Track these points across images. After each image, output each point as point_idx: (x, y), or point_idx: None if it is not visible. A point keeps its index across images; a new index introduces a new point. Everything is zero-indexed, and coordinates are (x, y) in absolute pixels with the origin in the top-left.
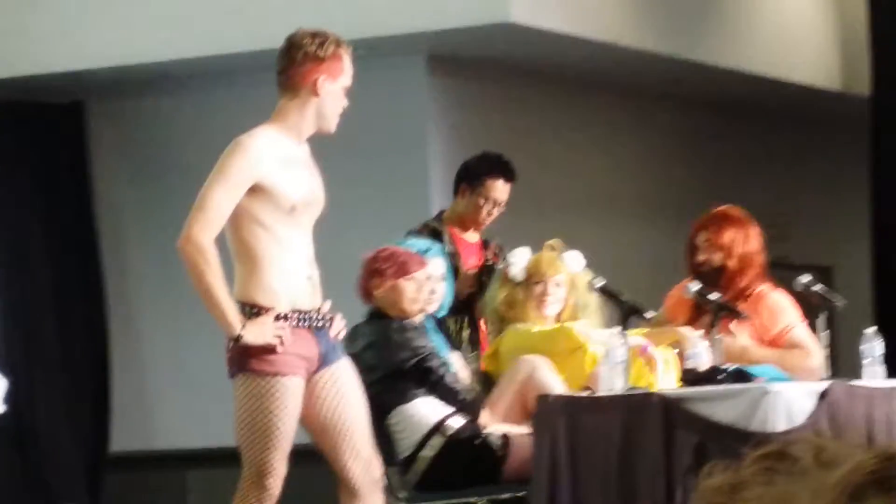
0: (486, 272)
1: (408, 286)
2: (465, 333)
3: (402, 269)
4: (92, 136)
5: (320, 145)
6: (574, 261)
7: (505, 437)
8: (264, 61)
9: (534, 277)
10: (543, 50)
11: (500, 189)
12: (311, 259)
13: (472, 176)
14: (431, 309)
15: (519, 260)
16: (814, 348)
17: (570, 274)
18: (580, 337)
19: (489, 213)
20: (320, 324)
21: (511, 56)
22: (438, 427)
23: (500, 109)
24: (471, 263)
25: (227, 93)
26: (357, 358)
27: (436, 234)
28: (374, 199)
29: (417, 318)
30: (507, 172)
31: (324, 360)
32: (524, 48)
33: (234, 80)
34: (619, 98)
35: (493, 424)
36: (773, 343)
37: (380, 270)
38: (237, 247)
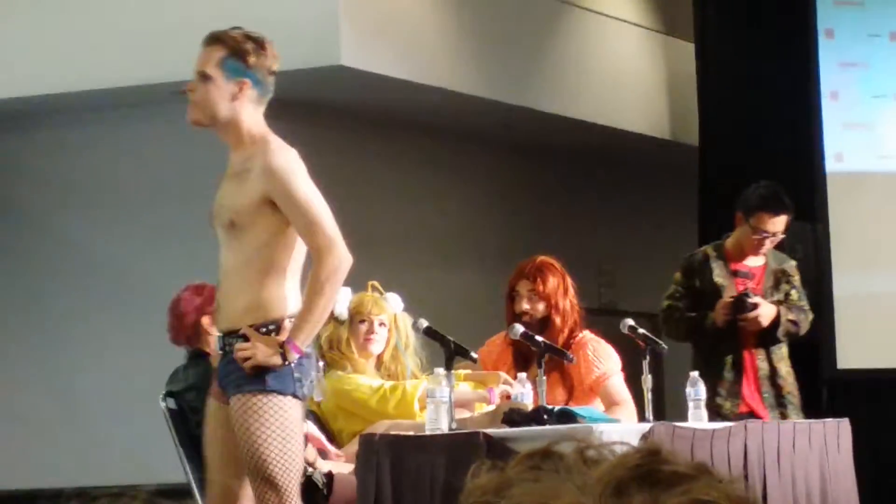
0: None
1: None
2: None
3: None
4: None
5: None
6: (395, 302)
7: (329, 475)
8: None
9: (358, 316)
10: (374, 94)
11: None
12: None
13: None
14: None
15: (342, 298)
16: (626, 398)
17: (392, 313)
18: (411, 404)
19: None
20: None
21: (342, 100)
22: None
23: (331, 152)
24: None
25: (59, 132)
26: (181, 398)
27: None
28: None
29: None
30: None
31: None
32: (354, 92)
33: (66, 119)
34: (449, 142)
35: (319, 460)
36: (592, 390)
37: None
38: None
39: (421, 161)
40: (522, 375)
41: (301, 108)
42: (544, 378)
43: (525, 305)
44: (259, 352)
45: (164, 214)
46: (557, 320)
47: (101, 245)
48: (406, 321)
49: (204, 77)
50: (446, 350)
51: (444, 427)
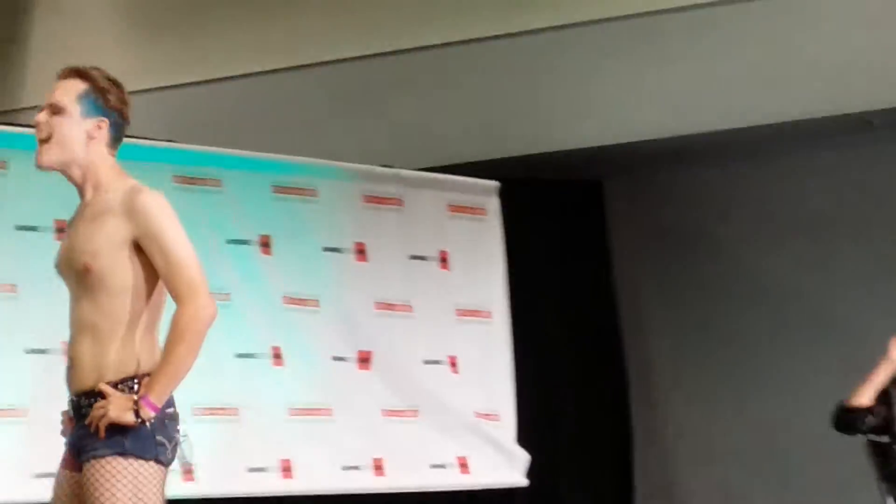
0: None
1: None
2: None
3: None
4: (611, 213)
5: None
6: None
7: None
8: (788, 132)
9: None
10: None
11: None
12: None
13: None
14: None
15: None
16: None
17: None
18: None
19: None
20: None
21: None
22: None
23: None
24: None
25: (748, 165)
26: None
27: None
28: None
29: None
30: None
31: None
32: None
33: (756, 151)
34: None
35: None
36: None
37: None
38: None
39: None
40: None
41: None
42: None
43: None
44: (112, 407)
45: (864, 247)
46: None
47: (796, 278)
48: None
49: (58, 110)
50: None
51: None
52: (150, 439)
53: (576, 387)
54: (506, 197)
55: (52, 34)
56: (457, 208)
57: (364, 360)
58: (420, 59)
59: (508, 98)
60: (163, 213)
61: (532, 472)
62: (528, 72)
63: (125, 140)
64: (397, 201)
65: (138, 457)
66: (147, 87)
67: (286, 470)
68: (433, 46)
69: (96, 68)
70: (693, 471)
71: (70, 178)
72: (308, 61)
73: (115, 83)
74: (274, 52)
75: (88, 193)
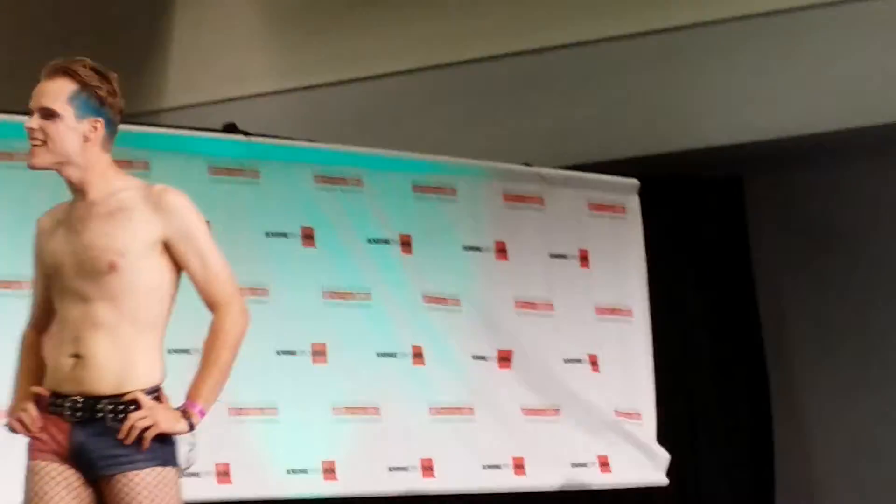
0: None
1: None
2: None
3: None
4: (750, 210)
5: None
6: None
7: None
8: None
9: None
10: None
11: None
12: None
13: None
14: None
15: None
16: None
17: None
18: None
19: None
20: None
21: None
22: None
23: None
24: None
25: (892, 161)
26: None
27: None
28: None
29: None
30: None
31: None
32: None
33: None
34: None
35: None
36: None
37: None
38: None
39: None
40: None
41: None
42: None
43: None
44: (160, 419)
45: None
46: None
47: None
48: None
49: (49, 114)
50: None
51: None
52: (175, 446)
53: (716, 384)
54: (646, 195)
55: (194, 36)
56: (597, 206)
57: (504, 358)
58: (559, 57)
59: (647, 96)
60: (195, 213)
61: (672, 471)
62: (667, 70)
63: (268, 141)
64: (538, 200)
65: (173, 465)
66: (288, 87)
67: (427, 469)
68: (573, 44)
69: (82, 61)
70: (833, 467)
71: (67, 178)
72: (448, 60)
73: (104, 76)
74: (413, 52)
75: (91, 192)
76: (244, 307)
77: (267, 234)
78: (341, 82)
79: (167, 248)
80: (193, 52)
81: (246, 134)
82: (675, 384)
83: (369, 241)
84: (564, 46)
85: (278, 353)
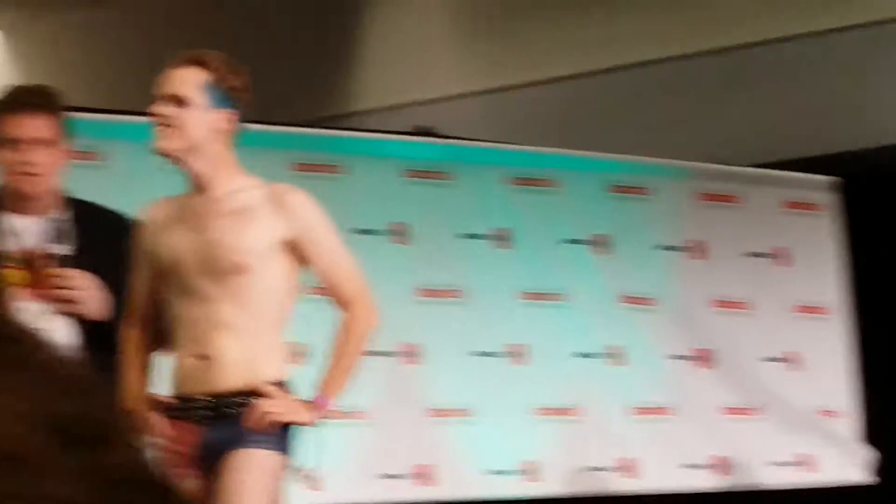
0: None
1: None
2: None
3: None
4: None
5: None
6: None
7: None
8: None
9: None
10: None
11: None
12: None
13: None
14: None
15: None
16: None
17: None
18: None
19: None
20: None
21: None
22: None
23: None
24: None
25: None
26: None
27: None
28: None
29: None
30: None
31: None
32: None
33: None
34: None
35: None
36: None
37: None
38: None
39: None
40: None
41: None
42: None
43: None
44: (286, 409)
45: None
46: None
47: None
48: None
49: (181, 102)
50: None
51: None
52: (293, 439)
53: None
54: (843, 192)
55: (385, 38)
56: (793, 204)
57: (702, 358)
58: (754, 54)
59: (844, 92)
60: (320, 213)
61: (880, 470)
62: (864, 65)
63: (463, 143)
64: (734, 198)
65: (286, 455)
66: (481, 88)
67: (627, 469)
68: (767, 41)
69: (213, 53)
70: None
71: (189, 169)
72: (640, 59)
73: (235, 69)
74: (606, 51)
75: (213, 188)
76: (372, 304)
77: (462, 236)
78: (535, 83)
79: (292, 247)
80: (384, 56)
81: (442, 137)
82: (880, 383)
83: (565, 241)
84: (759, 43)
85: (474, 353)
